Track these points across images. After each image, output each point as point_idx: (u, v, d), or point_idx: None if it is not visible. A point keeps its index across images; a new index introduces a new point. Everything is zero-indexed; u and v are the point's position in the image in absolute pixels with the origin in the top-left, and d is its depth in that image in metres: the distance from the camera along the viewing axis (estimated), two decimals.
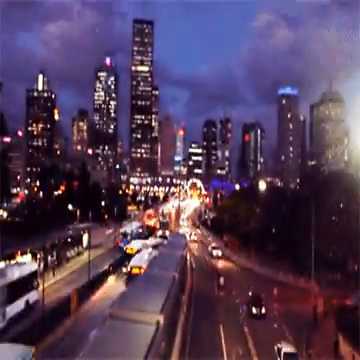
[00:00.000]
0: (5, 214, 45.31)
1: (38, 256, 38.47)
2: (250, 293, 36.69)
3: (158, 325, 15.49)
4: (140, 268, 35.66)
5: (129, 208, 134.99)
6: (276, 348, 25.33)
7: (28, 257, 37.93)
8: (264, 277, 48.52)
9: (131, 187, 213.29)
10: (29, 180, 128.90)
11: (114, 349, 12.80)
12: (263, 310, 33.22)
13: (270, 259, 54.14)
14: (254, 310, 33.20)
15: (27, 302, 29.71)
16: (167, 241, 49.25)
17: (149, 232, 79.86)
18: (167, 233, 77.22)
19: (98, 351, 12.68)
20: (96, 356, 12.27)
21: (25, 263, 32.51)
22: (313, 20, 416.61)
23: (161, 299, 18.70)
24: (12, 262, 34.78)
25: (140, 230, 72.04)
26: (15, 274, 28.56)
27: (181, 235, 62.08)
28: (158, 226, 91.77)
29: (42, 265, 34.26)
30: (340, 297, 34.87)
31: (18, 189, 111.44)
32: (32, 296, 30.51)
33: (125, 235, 61.55)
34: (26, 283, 29.92)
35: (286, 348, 24.83)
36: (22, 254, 37.72)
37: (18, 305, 28.33)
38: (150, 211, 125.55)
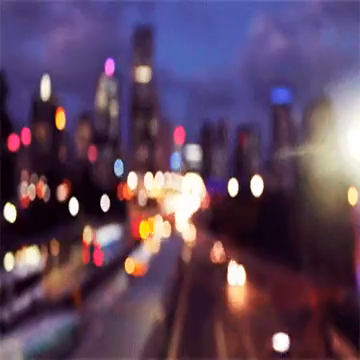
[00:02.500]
0: (14, 215, 46.51)
1: (42, 253, 39.98)
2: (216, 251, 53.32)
3: (157, 321, 16.28)
4: (140, 266, 37.02)
5: (129, 210, 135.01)
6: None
7: (34, 253, 39.45)
8: (258, 274, 49.57)
9: (130, 189, 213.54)
10: (34, 182, 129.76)
11: (113, 345, 13.16)
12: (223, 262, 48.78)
13: (264, 257, 55.17)
14: (214, 261, 50.36)
15: (32, 298, 31.15)
16: (166, 241, 50.45)
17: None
18: (165, 233, 78.32)
19: (98, 347, 13.14)
20: (96, 352, 12.68)
21: (31, 261, 34.03)
22: (308, 26, 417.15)
23: (160, 296, 19.85)
24: (18, 254, 36.33)
25: (117, 241, 54.94)
26: (21, 271, 30.09)
27: (179, 235, 63.18)
28: (156, 228, 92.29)
29: (46, 262, 35.73)
30: (331, 293, 36.14)
31: (23, 190, 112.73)
32: (37, 292, 31.95)
33: (91, 249, 46.55)
34: (31, 280, 31.37)
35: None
36: (28, 246, 39.20)
37: (24, 301, 29.78)
38: (146, 215, 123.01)
